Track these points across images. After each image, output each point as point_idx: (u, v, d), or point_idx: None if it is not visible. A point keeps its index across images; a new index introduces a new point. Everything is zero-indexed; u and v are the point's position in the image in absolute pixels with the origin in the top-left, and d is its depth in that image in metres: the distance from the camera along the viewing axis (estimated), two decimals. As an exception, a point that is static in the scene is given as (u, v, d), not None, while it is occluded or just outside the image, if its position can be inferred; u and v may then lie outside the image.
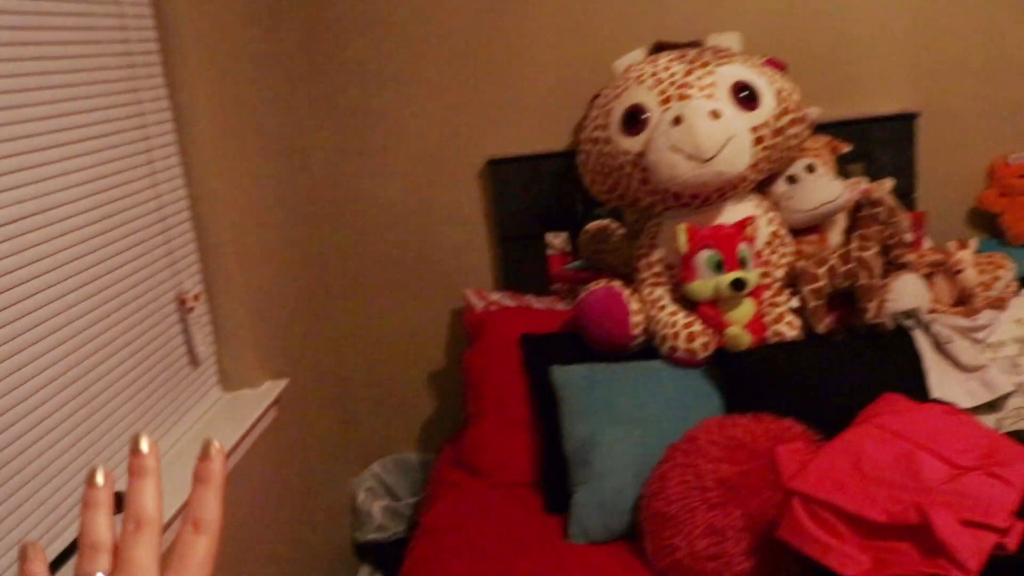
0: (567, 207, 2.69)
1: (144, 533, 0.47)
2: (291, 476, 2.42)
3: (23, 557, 0.49)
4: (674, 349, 2.15)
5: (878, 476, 1.61)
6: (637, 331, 2.21)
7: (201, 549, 0.48)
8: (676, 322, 2.15)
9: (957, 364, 2.11)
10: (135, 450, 0.50)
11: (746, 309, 2.12)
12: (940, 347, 2.13)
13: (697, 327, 2.14)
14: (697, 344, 2.13)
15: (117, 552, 0.47)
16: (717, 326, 2.12)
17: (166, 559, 0.47)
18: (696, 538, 1.81)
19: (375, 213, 2.80)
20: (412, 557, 2.14)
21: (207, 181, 2.09)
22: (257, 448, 2.18)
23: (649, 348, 2.24)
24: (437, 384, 2.96)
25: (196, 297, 2.09)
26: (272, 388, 2.26)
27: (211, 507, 0.49)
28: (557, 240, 2.72)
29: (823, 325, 2.12)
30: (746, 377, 2.08)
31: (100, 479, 0.49)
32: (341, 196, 2.79)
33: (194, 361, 2.11)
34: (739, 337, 2.09)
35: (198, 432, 2.04)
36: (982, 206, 2.75)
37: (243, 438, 2.06)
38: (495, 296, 2.68)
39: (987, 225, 2.80)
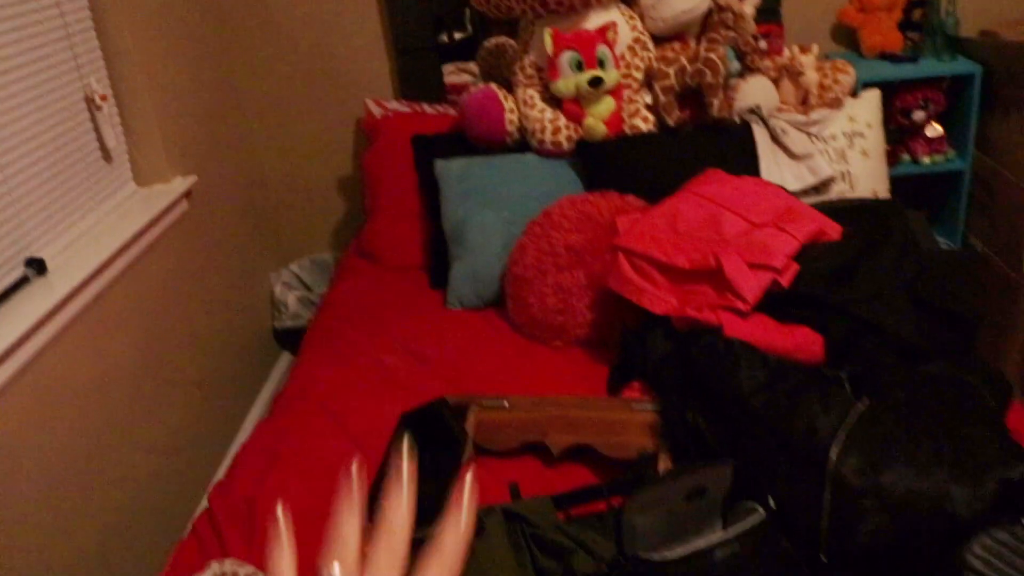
0: (459, 21, 2.88)
1: (393, 546, 0.47)
2: (207, 266, 2.67)
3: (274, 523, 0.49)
4: (542, 142, 2.41)
5: (688, 232, 1.91)
6: (511, 127, 2.46)
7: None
8: (544, 118, 2.41)
9: (789, 152, 2.40)
10: (400, 467, 0.49)
11: (607, 105, 2.38)
12: (775, 138, 2.42)
13: (562, 122, 2.40)
14: (562, 136, 2.39)
15: (364, 554, 0.48)
16: (578, 120, 2.38)
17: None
18: (547, 296, 2.12)
19: (282, 26, 2.97)
20: (313, 327, 2.44)
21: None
22: (169, 236, 2.42)
23: (523, 143, 2.50)
24: (348, 188, 3.20)
25: (103, 97, 2.28)
26: (182, 183, 2.49)
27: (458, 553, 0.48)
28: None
29: (673, 119, 2.39)
30: (602, 163, 2.36)
31: (354, 472, 0.50)
32: (249, 9, 2.94)
33: (107, 156, 2.32)
34: (595, 128, 2.35)
35: (114, 221, 2.27)
36: (843, 20, 2.99)
37: (151, 225, 2.29)
38: (392, 104, 2.89)
39: (847, 38, 3.05)
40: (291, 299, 3.08)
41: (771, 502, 1.35)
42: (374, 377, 2.09)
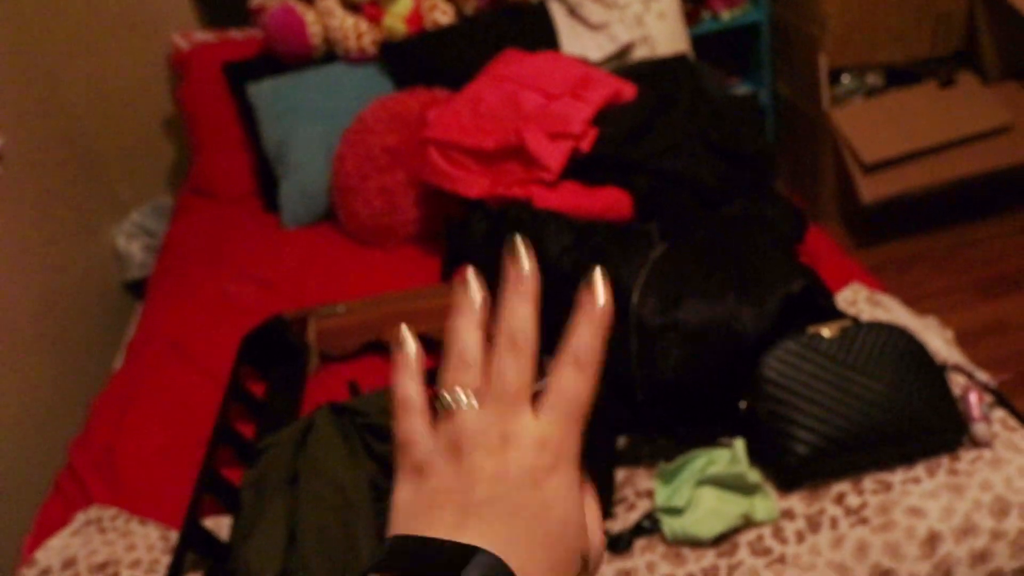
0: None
1: (519, 354, 0.42)
2: (37, 228, 2.61)
3: (397, 341, 0.45)
4: (347, 50, 2.42)
5: (490, 114, 1.98)
6: (316, 40, 2.45)
7: (580, 387, 0.42)
8: (345, 26, 2.41)
9: (587, 24, 2.47)
10: (517, 268, 0.44)
11: (404, 4, 2.39)
12: (573, 11, 2.48)
13: (364, 27, 2.40)
14: (365, 41, 2.41)
15: (486, 368, 0.43)
16: (378, 22, 2.39)
17: (539, 391, 0.43)
18: (372, 200, 2.17)
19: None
20: (155, 271, 2.45)
21: None
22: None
23: (333, 54, 2.50)
24: (173, 127, 3.13)
25: None
26: (-12, 148, 2.41)
27: (593, 344, 0.43)
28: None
29: (471, 7, 2.42)
30: (408, 62, 2.39)
31: (475, 289, 0.45)
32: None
33: (-102, 132, 2.23)
34: (394, 27, 2.38)
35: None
36: None
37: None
38: (199, 35, 2.83)
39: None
40: (135, 249, 3.03)
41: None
42: (218, 308, 2.12)
